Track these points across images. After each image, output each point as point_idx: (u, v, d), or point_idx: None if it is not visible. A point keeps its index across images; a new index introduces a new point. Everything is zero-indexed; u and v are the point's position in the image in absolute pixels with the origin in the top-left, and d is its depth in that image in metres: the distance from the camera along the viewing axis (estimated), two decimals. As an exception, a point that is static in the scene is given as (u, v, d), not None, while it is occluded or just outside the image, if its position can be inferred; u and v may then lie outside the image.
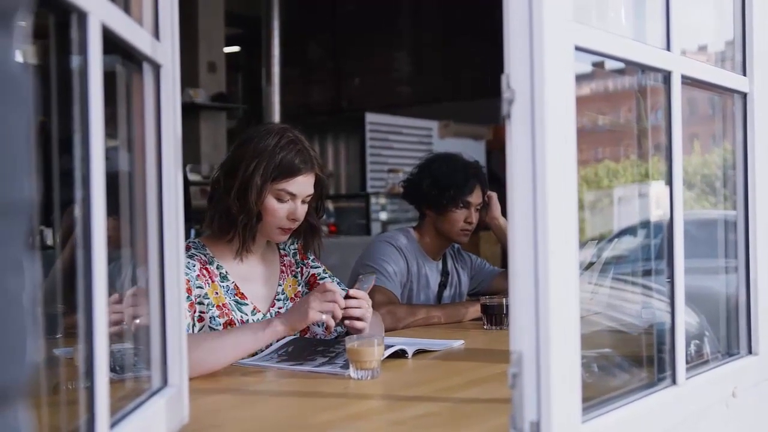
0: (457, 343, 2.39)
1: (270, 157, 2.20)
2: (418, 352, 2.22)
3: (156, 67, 1.37)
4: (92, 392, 1.02)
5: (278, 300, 2.37)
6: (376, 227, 7.47)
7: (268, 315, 2.30)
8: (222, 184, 2.24)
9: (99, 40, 1.04)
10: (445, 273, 3.19)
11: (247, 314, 2.26)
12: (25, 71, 0.62)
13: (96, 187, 1.03)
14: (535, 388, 1.18)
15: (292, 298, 2.40)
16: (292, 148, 2.24)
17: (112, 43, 1.13)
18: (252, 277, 2.33)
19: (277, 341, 2.19)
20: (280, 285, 2.39)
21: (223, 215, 2.25)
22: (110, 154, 1.13)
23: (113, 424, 1.11)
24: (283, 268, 2.43)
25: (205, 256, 2.26)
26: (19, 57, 0.62)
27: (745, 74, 1.85)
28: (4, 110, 0.58)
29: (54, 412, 1.24)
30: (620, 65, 1.61)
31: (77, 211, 1.02)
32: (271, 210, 2.23)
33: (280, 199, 2.24)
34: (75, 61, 1.04)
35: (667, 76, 1.55)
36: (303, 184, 2.25)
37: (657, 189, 1.91)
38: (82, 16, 1.01)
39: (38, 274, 0.65)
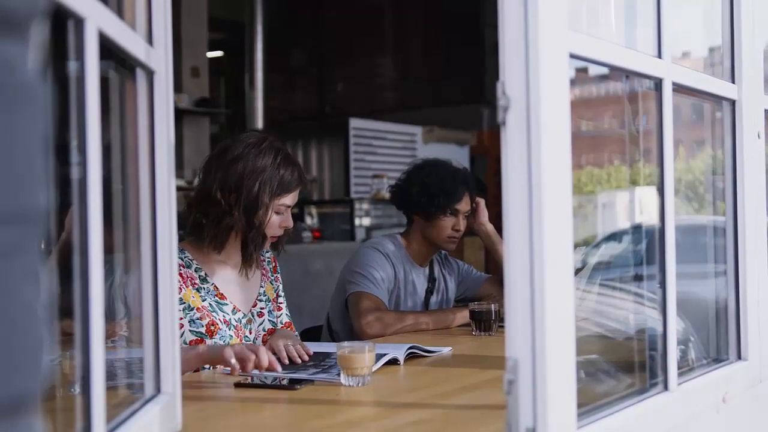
0: (446, 350, 2.39)
1: (272, 176, 2.30)
2: (410, 357, 2.22)
3: (149, 74, 1.36)
4: (89, 400, 1.01)
5: (260, 300, 2.45)
6: (360, 233, 7.46)
7: (249, 314, 2.40)
8: (223, 202, 2.26)
9: (96, 46, 1.03)
10: (432, 279, 3.19)
11: (228, 313, 2.33)
12: (40, 79, 0.61)
13: (93, 192, 1.02)
14: (530, 394, 1.18)
15: (273, 299, 2.50)
16: (289, 164, 2.34)
17: (106, 49, 1.13)
18: (233, 280, 2.40)
19: None
20: (262, 287, 2.48)
21: (226, 231, 2.30)
22: (102, 160, 1.12)
23: (108, 433, 1.10)
24: (264, 271, 2.51)
25: (182, 259, 2.28)
26: (34, 65, 0.61)
27: (733, 81, 1.86)
28: (20, 118, 0.58)
29: (46, 419, 1.23)
30: (604, 71, 1.62)
31: (74, 217, 1.02)
32: (270, 224, 2.34)
33: (278, 213, 2.34)
34: (71, 66, 1.03)
35: (658, 83, 1.56)
36: (296, 196, 2.39)
37: (641, 195, 1.92)
38: (79, 22, 1.00)
39: (52, 282, 0.65)
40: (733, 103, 1.87)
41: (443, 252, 3.25)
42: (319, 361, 2.17)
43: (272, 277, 2.54)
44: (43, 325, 0.61)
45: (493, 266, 3.67)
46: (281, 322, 2.49)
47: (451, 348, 2.41)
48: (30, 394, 0.59)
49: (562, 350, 1.21)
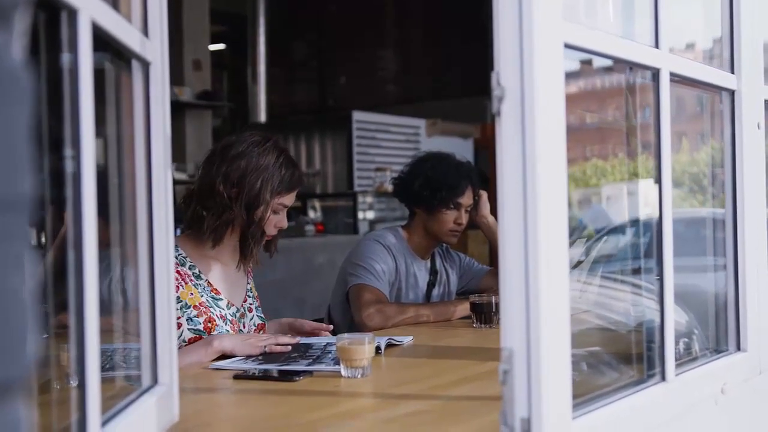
0: (407, 339, 2.42)
1: (274, 174, 2.33)
2: (388, 346, 2.27)
3: (145, 65, 1.36)
4: (83, 391, 1.02)
5: (249, 296, 2.51)
6: (363, 226, 7.45)
7: (242, 309, 2.44)
8: (225, 196, 2.28)
9: (89, 37, 1.03)
10: (433, 272, 3.19)
11: (223, 309, 2.37)
12: (24, 68, 0.62)
13: (87, 185, 1.02)
14: (525, 384, 1.18)
15: (256, 297, 2.55)
16: (290, 165, 2.39)
17: (101, 41, 1.13)
18: (224, 276, 2.43)
19: None
20: (249, 283, 2.53)
21: (225, 225, 2.33)
22: (99, 153, 1.12)
23: (104, 423, 1.11)
24: (249, 269, 2.55)
25: (176, 258, 2.29)
26: (18, 53, 0.61)
27: (732, 71, 1.85)
28: (4, 106, 0.58)
29: (42, 411, 1.23)
30: (608, 63, 1.61)
31: (68, 210, 1.02)
32: (268, 222, 2.37)
33: (275, 212, 2.37)
34: (65, 58, 1.03)
35: (655, 74, 1.56)
36: (294, 197, 2.43)
37: (645, 187, 1.92)
38: (72, 13, 1.00)
39: (37, 270, 0.65)
40: (732, 93, 1.86)
41: (445, 245, 3.25)
42: (304, 352, 2.18)
43: (252, 276, 2.59)
44: (29, 312, 0.61)
45: (496, 259, 3.67)
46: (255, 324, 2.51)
47: (412, 337, 2.44)
48: (15, 381, 0.60)
49: (556, 340, 1.21)
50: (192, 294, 2.31)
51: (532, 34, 1.17)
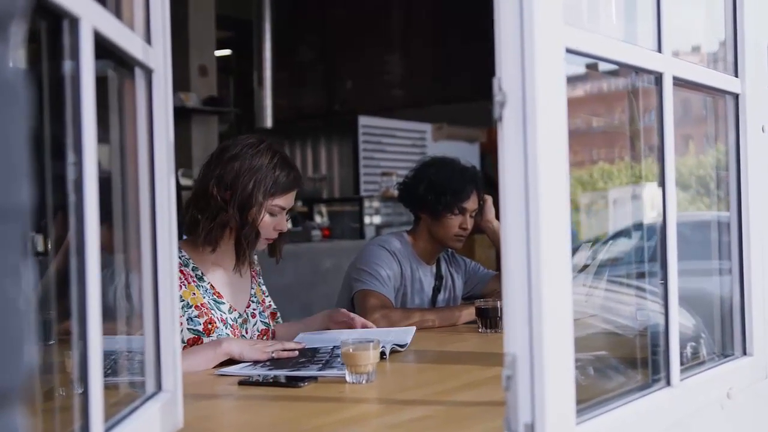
0: (411, 330, 2.46)
1: (267, 175, 2.33)
2: (393, 351, 2.26)
3: (148, 72, 1.37)
4: (87, 398, 1.02)
5: (252, 302, 2.50)
6: (369, 231, 7.45)
7: (245, 314, 2.44)
8: (219, 198, 2.29)
9: (91, 45, 1.04)
10: (439, 277, 3.19)
11: (224, 312, 2.37)
12: (21, 77, 0.62)
13: (89, 192, 1.02)
14: (529, 390, 1.18)
15: (261, 302, 2.54)
16: (285, 167, 2.37)
17: (104, 48, 1.13)
18: (226, 280, 2.43)
19: None
20: (252, 288, 2.52)
21: (220, 228, 2.33)
22: (101, 160, 1.13)
23: (108, 429, 1.11)
24: (254, 274, 2.55)
25: (180, 259, 2.30)
26: (15, 63, 0.62)
27: (737, 75, 1.85)
28: (1, 116, 0.59)
29: (47, 417, 1.23)
30: (614, 67, 1.61)
31: (70, 217, 1.02)
32: (264, 224, 2.36)
33: (271, 214, 2.37)
34: (67, 66, 1.03)
35: (658, 78, 1.55)
36: (292, 199, 2.42)
37: (651, 191, 1.92)
38: (74, 22, 1.01)
39: (34, 278, 0.65)
40: (736, 97, 1.86)
41: (450, 249, 3.25)
42: (312, 357, 2.18)
43: (259, 280, 2.59)
44: (25, 320, 0.61)
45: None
46: (268, 317, 2.52)
47: (414, 327, 2.46)
48: (10, 390, 0.60)
49: (560, 345, 1.21)
50: (194, 294, 2.31)
51: (533, 38, 1.17)
